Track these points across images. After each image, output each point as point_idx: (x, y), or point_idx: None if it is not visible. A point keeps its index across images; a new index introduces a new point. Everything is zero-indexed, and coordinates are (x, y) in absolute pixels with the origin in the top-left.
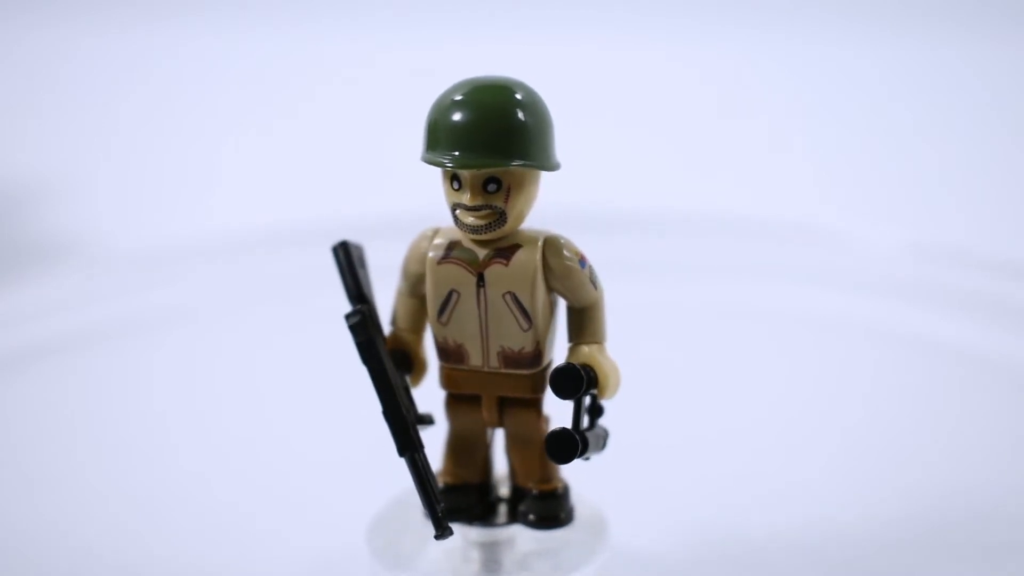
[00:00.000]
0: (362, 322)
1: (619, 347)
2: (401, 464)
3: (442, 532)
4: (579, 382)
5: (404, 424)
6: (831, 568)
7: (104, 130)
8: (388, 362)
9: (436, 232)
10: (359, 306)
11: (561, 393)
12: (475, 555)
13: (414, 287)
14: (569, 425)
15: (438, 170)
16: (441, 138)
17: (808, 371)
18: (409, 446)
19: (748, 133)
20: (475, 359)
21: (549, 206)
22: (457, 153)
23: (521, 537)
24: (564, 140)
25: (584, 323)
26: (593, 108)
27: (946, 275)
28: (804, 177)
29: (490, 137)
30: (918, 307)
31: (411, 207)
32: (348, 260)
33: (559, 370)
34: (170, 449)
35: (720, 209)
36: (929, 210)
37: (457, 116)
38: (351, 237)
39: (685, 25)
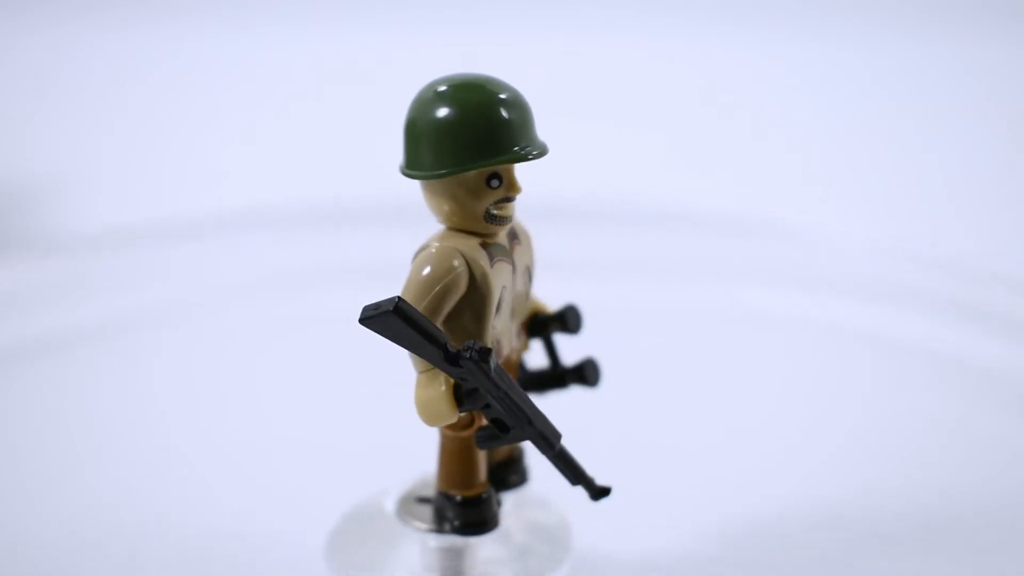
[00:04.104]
0: (487, 350)
1: (606, 347)
2: (373, 470)
3: (604, 494)
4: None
5: (547, 421)
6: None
7: (101, 129)
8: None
9: (451, 248)
10: (469, 342)
11: (579, 329)
12: (436, 563)
13: (439, 317)
14: (549, 363)
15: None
16: (502, 138)
17: (800, 376)
18: (558, 436)
19: (745, 133)
20: (506, 347)
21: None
22: (525, 146)
23: (483, 543)
24: (564, 136)
25: None
26: (582, 105)
27: (941, 279)
28: (802, 179)
29: (532, 124)
30: (913, 311)
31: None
32: (413, 313)
33: (576, 309)
34: (161, 446)
35: (713, 208)
36: (926, 214)
37: (501, 114)
38: (345, 225)
39: (678, 24)
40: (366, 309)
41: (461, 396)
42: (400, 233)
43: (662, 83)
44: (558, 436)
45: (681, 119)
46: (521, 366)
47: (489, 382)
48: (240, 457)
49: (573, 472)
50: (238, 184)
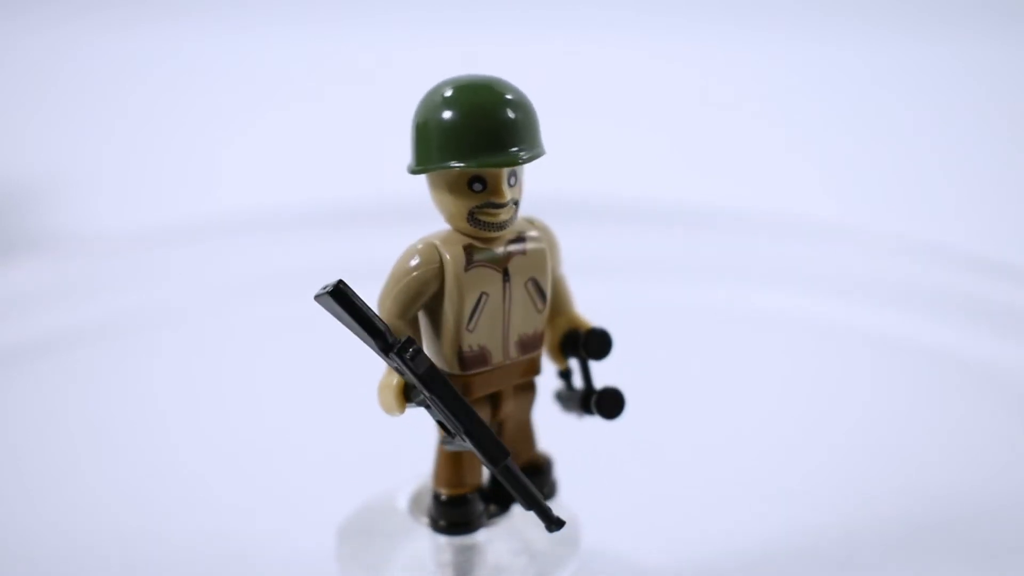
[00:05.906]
0: (420, 348)
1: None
2: (375, 471)
3: (557, 526)
4: (612, 341)
5: (493, 434)
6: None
7: (102, 130)
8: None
9: (431, 244)
10: (404, 336)
11: (605, 355)
12: (448, 560)
13: (409, 308)
14: (580, 384)
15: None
16: (477, 141)
17: (800, 376)
18: (504, 453)
19: (744, 133)
20: (497, 356)
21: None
22: (508, 151)
23: (494, 541)
24: (564, 136)
25: (564, 291)
26: (582, 105)
27: (940, 278)
28: (802, 179)
29: (525, 130)
30: (913, 311)
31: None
32: (353, 298)
33: (605, 333)
34: (162, 447)
35: (712, 208)
36: (926, 215)
37: (488, 117)
38: (346, 225)
39: (678, 24)
40: (322, 288)
41: (410, 393)
42: (401, 233)
43: (662, 83)
44: (505, 453)
45: (681, 119)
46: (568, 383)
47: (417, 380)
48: (241, 458)
49: (524, 495)
50: (238, 185)
